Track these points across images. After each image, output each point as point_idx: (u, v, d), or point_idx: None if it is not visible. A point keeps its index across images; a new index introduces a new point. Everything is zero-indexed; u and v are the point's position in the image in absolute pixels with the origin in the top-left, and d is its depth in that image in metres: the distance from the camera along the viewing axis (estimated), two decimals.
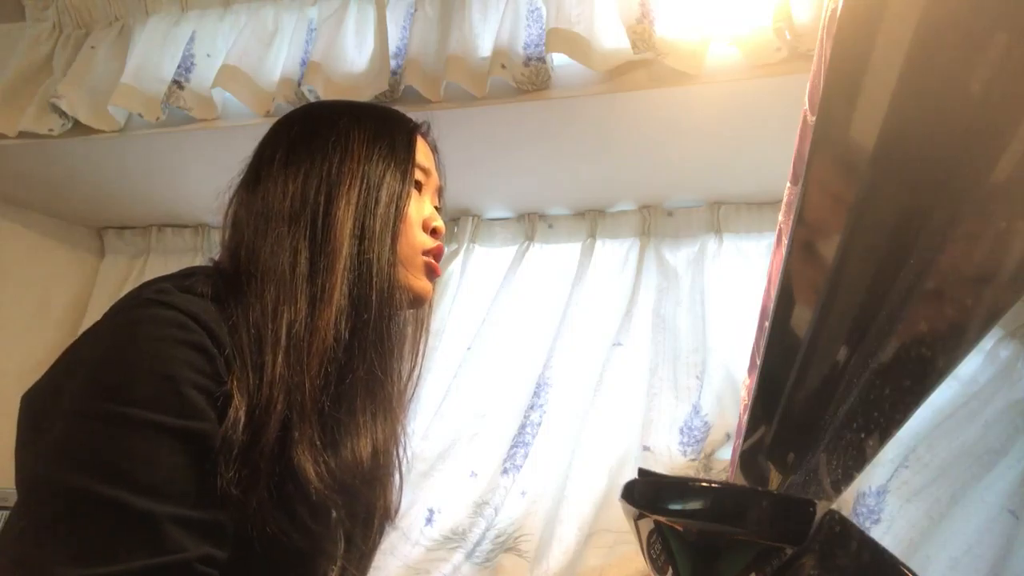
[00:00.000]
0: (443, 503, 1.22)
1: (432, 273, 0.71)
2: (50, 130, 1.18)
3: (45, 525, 0.46)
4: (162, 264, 1.58)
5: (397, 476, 0.72)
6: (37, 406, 0.53)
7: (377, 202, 0.65)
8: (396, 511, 0.73)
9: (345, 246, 0.62)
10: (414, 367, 0.74)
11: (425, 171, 0.72)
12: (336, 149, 0.66)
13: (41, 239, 1.56)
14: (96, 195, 1.45)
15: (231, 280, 0.60)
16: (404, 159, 0.69)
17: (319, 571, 0.63)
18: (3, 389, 1.15)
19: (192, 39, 1.16)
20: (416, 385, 0.74)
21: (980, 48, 0.30)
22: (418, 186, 0.71)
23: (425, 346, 0.76)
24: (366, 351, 0.62)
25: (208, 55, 1.15)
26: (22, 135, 1.19)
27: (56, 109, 1.17)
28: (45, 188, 1.42)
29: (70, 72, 1.17)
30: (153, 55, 1.14)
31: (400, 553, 1.19)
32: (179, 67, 1.13)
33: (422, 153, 0.72)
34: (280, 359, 0.56)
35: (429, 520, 1.21)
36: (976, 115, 0.31)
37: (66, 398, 0.49)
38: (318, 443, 0.57)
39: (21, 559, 0.45)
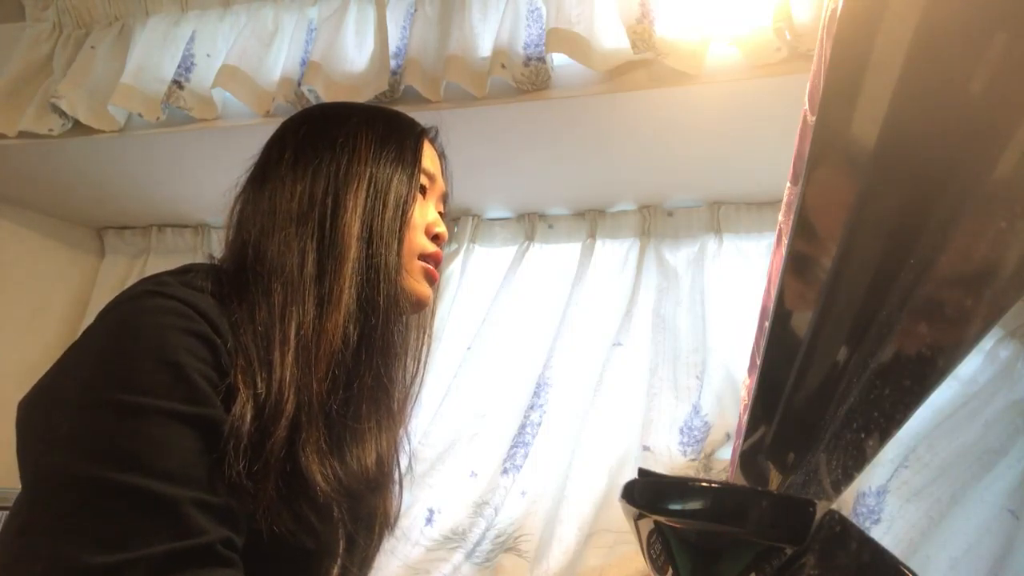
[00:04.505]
0: (443, 503, 1.22)
1: (431, 278, 0.71)
2: (50, 130, 1.18)
3: (64, 516, 0.45)
4: (162, 264, 1.57)
5: (397, 482, 0.72)
6: (45, 404, 0.51)
7: (385, 206, 0.65)
8: (396, 518, 0.73)
9: (352, 249, 0.62)
10: (416, 372, 0.74)
11: (430, 176, 0.72)
12: (344, 150, 0.66)
13: (41, 239, 1.55)
14: (96, 195, 1.45)
15: (234, 277, 0.60)
16: (411, 163, 0.69)
17: (323, 570, 0.63)
18: (3, 389, 1.15)
19: (192, 39, 1.16)
20: (418, 390, 0.74)
21: (980, 48, 0.30)
22: (422, 191, 0.71)
23: (428, 351, 0.76)
24: (373, 357, 0.62)
25: (208, 55, 1.16)
26: (22, 135, 1.19)
27: (56, 109, 1.17)
28: (45, 188, 1.42)
29: (70, 72, 1.17)
30: (153, 55, 1.14)
31: (400, 553, 1.19)
32: (179, 67, 1.13)
33: (428, 158, 0.72)
34: (289, 359, 0.56)
35: (429, 520, 1.21)
36: (976, 115, 0.31)
37: (74, 393, 0.49)
38: (324, 447, 0.57)
39: (40, 551, 0.44)
